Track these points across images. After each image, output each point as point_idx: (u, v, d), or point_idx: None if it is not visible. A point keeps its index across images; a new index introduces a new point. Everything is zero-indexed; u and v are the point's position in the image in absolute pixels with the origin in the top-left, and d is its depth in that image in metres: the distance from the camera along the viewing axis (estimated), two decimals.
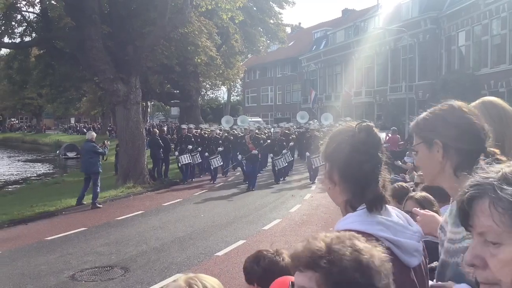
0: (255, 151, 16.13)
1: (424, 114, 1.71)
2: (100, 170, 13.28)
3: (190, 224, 10.81)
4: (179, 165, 18.41)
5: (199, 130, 20.10)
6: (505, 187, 0.92)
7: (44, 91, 27.25)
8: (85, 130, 57.17)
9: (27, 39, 19.46)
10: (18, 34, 19.11)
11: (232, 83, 40.08)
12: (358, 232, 1.44)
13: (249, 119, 34.97)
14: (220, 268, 7.53)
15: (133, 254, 8.41)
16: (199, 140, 18.70)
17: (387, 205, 1.56)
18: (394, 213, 1.57)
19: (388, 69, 35.13)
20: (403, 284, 1.44)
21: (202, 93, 43.45)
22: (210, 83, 36.30)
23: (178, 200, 14.22)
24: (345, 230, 1.48)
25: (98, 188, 13.17)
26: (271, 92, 55.37)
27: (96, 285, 6.89)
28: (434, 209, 2.56)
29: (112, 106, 22.62)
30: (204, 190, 15.99)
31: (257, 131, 19.74)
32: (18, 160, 38.76)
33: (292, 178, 18.80)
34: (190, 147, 17.92)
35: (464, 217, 1.00)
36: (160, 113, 69.49)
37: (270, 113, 52.33)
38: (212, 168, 18.16)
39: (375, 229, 1.45)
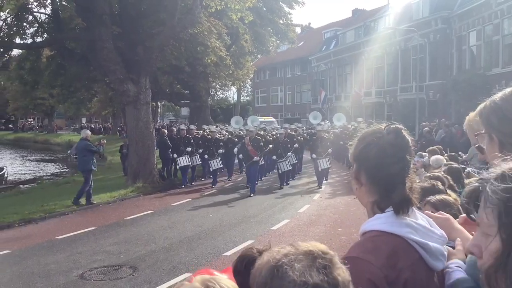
0: (256, 158, 15.18)
1: (489, 102, 1.57)
2: (93, 168, 13.30)
3: (199, 224, 10.84)
4: (177, 168, 17.68)
5: (201, 132, 19.43)
6: (496, 183, 0.98)
7: (56, 92, 27.49)
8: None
9: (39, 39, 19.63)
10: (29, 35, 19.28)
11: (242, 84, 40.15)
12: (387, 233, 1.46)
13: (262, 119, 34.80)
14: (227, 268, 7.53)
15: (142, 253, 8.46)
16: (200, 142, 17.79)
17: (413, 208, 1.57)
18: (419, 216, 1.58)
19: (398, 69, 34.95)
20: (427, 280, 1.45)
21: (212, 93, 43.58)
22: (220, 83, 36.37)
23: (187, 200, 14.27)
24: (373, 230, 1.49)
25: (89, 186, 13.20)
26: (281, 93, 55.34)
27: (105, 284, 6.94)
28: (453, 211, 2.43)
29: (122, 106, 22.77)
30: (213, 191, 16.02)
31: (262, 132, 19.23)
32: (30, 160, 39.14)
33: (300, 181, 18.03)
34: (189, 149, 17.06)
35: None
36: (170, 113, 69.76)
37: (280, 114, 52.28)
38: (211, 171, 17.33)
39: (404, 231, 1.47)
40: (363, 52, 38.57)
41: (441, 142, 14.49)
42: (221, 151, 17.52)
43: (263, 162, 16.78)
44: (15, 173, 28.16)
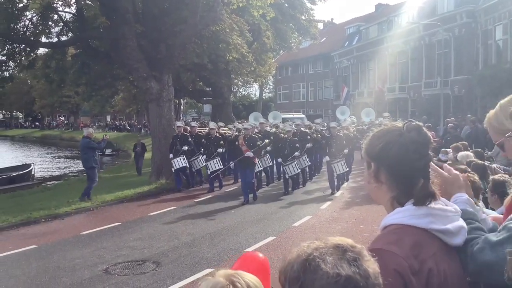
0: (249, 153, 13.03)
1: None
2: (94, 165, 13.37)
3: (221, 220, 10.92)
4: (173, 170, 15.52)
5: (206, 129, 17.41)
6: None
7: (81, 90, 27.93)
8: (121, 127, 58.29)
9: (64, 38, 19.98)
10: (55, 34, 19.61)
11: (264, 80, 40.08)
12: (408, 226, 1.48)
13: (290, 116, 34.34)
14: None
15: (165, 249, 8.58)
16: (203, 140, 16.01)
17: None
18: (442, 200, 1.62)
19: (422, 64, 34.45)
20: (452, 277, 1.48)
21: (234, 90, 43.63)
22: (242, 80, 36.40)
23: (210, 196, 14.36)
24: (394, 224, 1.52)
25: (94, 183, 13.38)
26: (303, 89, 55.12)
27: (129, 279, 7.06)
28: None
29: (145, 103, 23.00)
30: (235, 187, 16.08)
31: (273, 129, 17.76)
32: (56, 157, 39.92)
33: (312, 187, 15.61)
34: (185, 148, 15.28)
35: None
36: (193, 110, 70.15)
37: (302, 110, 52.08)
38: (209, 173, 15.36)
39: (425, 222, 1.50)
40: (387, 47, 38.12)
41: (466, 138, 14.24)
42: (220, 150, 15.59)
43: (261, 168, 15.23)
44: (42, 170, 28.76)
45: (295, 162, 14.21)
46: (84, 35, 18.35)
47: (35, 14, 17.32)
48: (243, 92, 63.52)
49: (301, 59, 51.66)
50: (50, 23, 18.71)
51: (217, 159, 15.22)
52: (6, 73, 19.56)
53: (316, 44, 41.84)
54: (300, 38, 32.74)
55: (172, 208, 12.55)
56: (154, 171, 17.19)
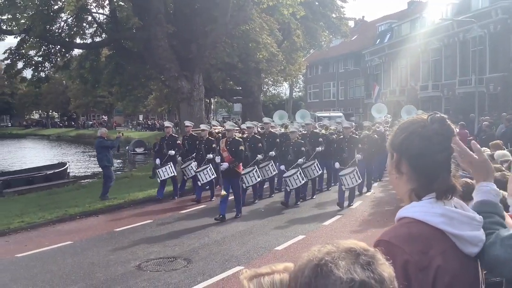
0: (225, 165, 10.81)
1: None
2: (107, 164, 13.43)
3: (251, 219, 10.96)
4: (159, 181, 13.29)
5: (207, 130, 13.80)
6: None
7: (114, 90, 28.46)
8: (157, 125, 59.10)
9: (98, 39, 20.44)
10: (89, 35, 20.13)
11: (294, 79, 40.04)
12: (421, 222, 1.48)
13: (326, 114, 33.79)
14: (279, 262, 7.60)
15: (196, 246, 8.68)
16: (197, 142, 13.48)
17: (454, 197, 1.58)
18: (459, 204, 1.59)
19: (456, 62, 33.74)
20: (463, 276, 1.46)
21: (264, 89, 43.69)
22: (272, 79, 36.42)
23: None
24: (406, 217, 1.52)
25: (111, 182, 13.46)
26: (333, 88, 54.74)
27: (161, 275, 7.18)
28: None
29: (177, 103, 23.30)
30: (265, 186, 16.07)
31: (282, 129, 15.13)
32: (91, 156, 40.79)
33: (320, 199, 12.97)
34: (172, 152, 13.23)
35: None
36: (223, 109, 70.60)
37: (332, 109, 51.78)
38: (199, 185, 12.94)
39: (437, 221, 1.48)
40: (419, 44, 37.49)
41: (501, 137, 13.89)
42: (210, 156, 12.72)
43: (258, 178, 12.43)
44: (77, 168, 29.46)
45: (298, 173, 11.80)
46: (118, 36, 18.73)
47: (70, 16, 17.80)
48: (273, 91, 63.63)
49: (331, 57, 51.31)
50: (84, 24, 19.19)
51: (208, 168, 12.57)
52: (42, 74, 20.10)
53: (347, 42, 41.55)
54: (331, 36, 32.50)
55: (203, 206, 12.66)
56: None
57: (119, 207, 12.70)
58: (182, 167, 13.71)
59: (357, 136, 12.78)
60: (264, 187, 13.85)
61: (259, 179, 12.45)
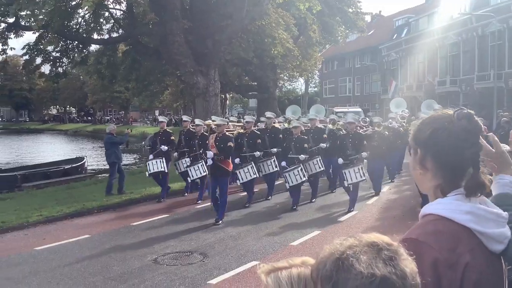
0: (209, 154, 10.09)
1: None
2: (115, 160, 13.37)
3: (267, 214, 10.97)
4: (147, 174, 12.94)
5: (203, 125, 12.38)
6: None
7: (131, 85, 28.67)
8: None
9: (114, 35, 20.59)
10: (106, 31, 20.29)
11: (309, 74, 39.86)
12: (446, 219, 1.46)
13: (346, 110, 33.28)
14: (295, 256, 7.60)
15: (211, 241, 8.72)
16: (187, 138, 12.88)
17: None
18: (483, 200, 1.56)
19: (475, 57, 33.27)
20: (490, 273, 1.44)
21: (280, 84, 43.63)
22: (287, 74, 36.33)
23: (255, 190, 14.39)
24: (432, 214, 1.50)
25: (114, 177, 13.35)
26: (350, 83, 54.41)
27: (177, 269, 7.23)
28: None
29: (192, 98, 23.41)
30: (279, 182, 16.08)
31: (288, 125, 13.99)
32: None
33: (326, 201, 11.93)
34: (164, 148, 12.70)
35: None
36: (239, 105, 70.66)
37: (348, 105, 51.54)
38: (189, 181, 12.88)
39: (464, 218, 1.46)
40: (437, 39, 37.04)
41: None
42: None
43: (254, 176, 11.88)
44: (94, 163, 29.77)
45: (299, 168, 11.00)
46: (134, 32, 18.83)
47: (87, 12, 17.93)
48: (289, 87, 63.50)
49: (347, 52, 50.98)
50: (101, 20, 19.34)
51: (201, 164, 11.93)
52: (60, 69, 20.33)
53: (363, 37, 41.19)
54: (347, 31, 32.27)
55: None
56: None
57: (136, 201, 12.80)
58: (175, 161, 13.43)
59: (362, 133, 11.86)
60: (276, 183, 13.49)
61: (254, 176, 11.86)
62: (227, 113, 52.03)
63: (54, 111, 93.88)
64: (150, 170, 12.68)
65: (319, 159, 12.03)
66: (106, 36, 20.27)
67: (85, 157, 23.97)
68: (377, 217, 10.49)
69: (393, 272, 1.04)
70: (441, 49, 36.83)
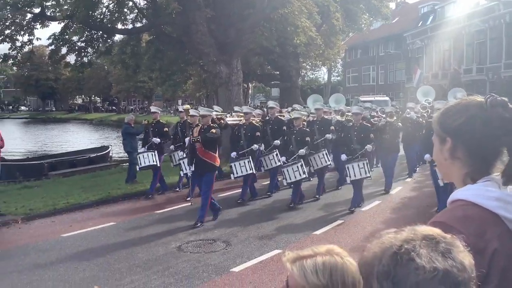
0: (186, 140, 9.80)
1: None
2: (131, 150, 13.43)
3: (289, 203, 10.96)
4: (138, 168, 12.38)
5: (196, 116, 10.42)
6: None
7: (154, 75, 28.86)
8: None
9: (138, 25, 20.71)
10: (130, 21, 20.40)
11: (332, 63, 39.47)
12: (474, 204, 1.45)
13: (372, 98, 32.44)
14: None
15: (234, 229, 8.79)
16: (183, 130, 12.22)
17: None
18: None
19: (502, 44, 32.47)
20: None
21: (302, 73, 43.34)
22: (310, 63, 36.05)
23: (280, 178, 14.36)
24: (460, 200, 1.49)
25: (135, 166, 12.98)
26: (373, 72, 53.72)
27: (200, 257, 7.32)
28: None
29: (215, 87, 23.45)
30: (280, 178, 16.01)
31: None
32: None
33: (327, 199, 10.93)
34: (157, 140, 11.96)
35: None
36: (261, 94, 70.52)
37: (372, 93, 50.97)
38: (181, 175, 12.33)
39: (493, 205, 1.44)
40: (464, 26, 36.23)
41: None
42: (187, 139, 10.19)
43: (250, 171, 10.87)
44: (119, 152, 30.17)
45: (299, 164, 10.16)
46: (158, 21, 18.91)
47: (111, 2, 18.07)
48: (311, 76, 63.04)
49: (371, 40, 50.25)
50: (125, 10, 19.44)
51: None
52: (85, 59, 20.57)
53: (388, 25, 40.54)
54: (371, 19, 31.75)
55: (240, 191, 12.74)
56: (225, 155, 17.50)
57: (159, 190, 12.93)
58: (170, 153, 13.00)
59: (368, 124, 10.80)
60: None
61: (250, 171, 10.85)
62: (249, 102, 52.02)
63: (79, 101, 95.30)
64: (141, 164, 11.98)
65: (325, 153, 11.27)
66: (130, 26, 20.39)
67: (110, 146, 24.29)
68: (401, 206, 10.40)
69: (454, 265, 1.02)
70: (467, 36, 36.05)
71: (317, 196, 11.36)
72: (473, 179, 1.52)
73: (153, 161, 11.87)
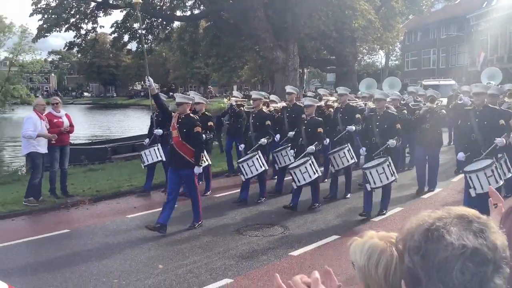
0: (157, 132, 9.28)
1: None
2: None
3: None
4: (143, 166, 11.04)
5: (203, 103, 10.89)
6: None
7: (211, 61, 29.31)
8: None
9: (196, 12, 21.05)
10: (188, 8, 20.77)
11: (390, 47, 38.44)
12: None
13: (436, 83, 29.20)
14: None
15: (292, 215, 8.85)
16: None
17: None
18: None
19: None
20: None
21: (359, 58, 42.49)
22: (367, 47, 35.29)
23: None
24: None
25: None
26: (434, 55, 51.83)
27: (259, 240, 7.47)
28: None
29: (271, 73, 23.48)
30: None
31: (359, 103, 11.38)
32: None
33: (347, 204, 9.31)
34: (159, 131, 10.53)
35: None
36: (316, 79, 69.88)
37: (432, 77, 49.29)
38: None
39: None
40: None
41: None
42: (204, 137, 8.98)
43: (261, 168, 9.56)
44: None
45: (308, 163, 8.67)
46: (215, 8, 19.14)
47: None
48: (368, 60, 61.64)
49: (432, 23, 48.43)
50: None
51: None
52: (146, 46, 21.16)
53: (450, 6, 39.07)
54: (432, 0, 30.67)
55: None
56: None
57: (218, 174, 13.17)
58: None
59: (393, 112, 8.91)
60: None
61: (261, 169, 9.54)
62: (304, 87, 51.70)
63: (139, 87, 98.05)
64: (145, 162, 10.76)
65: (348, 149, 9.67)
66: (188, 13, 20.77)
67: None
68: (462, 194, 10.10)
69: (484, 244, 1.03)
70: None
71: (347, 195, 10.07)
72: None
73: (158, 157, 10.57)
